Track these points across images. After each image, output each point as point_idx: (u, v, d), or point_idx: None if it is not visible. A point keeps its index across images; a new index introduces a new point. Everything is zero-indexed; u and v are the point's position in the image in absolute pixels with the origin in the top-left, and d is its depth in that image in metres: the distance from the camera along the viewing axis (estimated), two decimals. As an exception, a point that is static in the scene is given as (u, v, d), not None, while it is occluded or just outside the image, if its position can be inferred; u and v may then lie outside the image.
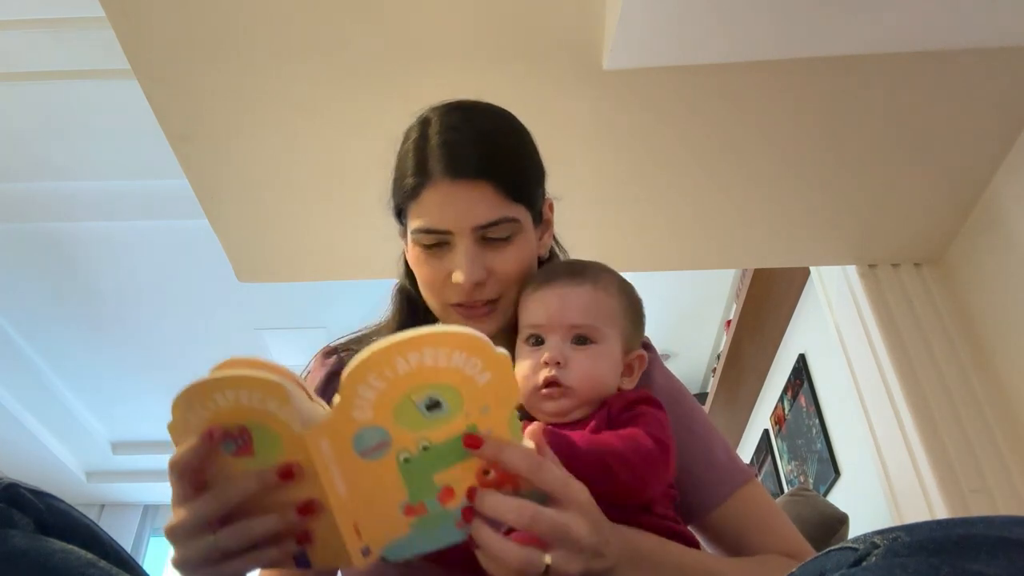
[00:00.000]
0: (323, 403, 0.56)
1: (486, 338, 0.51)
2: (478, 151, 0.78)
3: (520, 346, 0.78)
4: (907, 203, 1.62)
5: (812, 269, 2.08)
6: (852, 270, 1.79)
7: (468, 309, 0.81)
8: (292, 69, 1.37)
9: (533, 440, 0.56)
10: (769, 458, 2.80)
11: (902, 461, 1.60)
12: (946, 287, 1.73)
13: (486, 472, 0.54)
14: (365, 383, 0.50)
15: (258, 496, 0.53)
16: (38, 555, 0.50)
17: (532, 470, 0.54)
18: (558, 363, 0.72)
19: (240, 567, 0.54)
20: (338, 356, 0.90)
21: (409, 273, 0.88)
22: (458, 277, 0.77)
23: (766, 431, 2.85)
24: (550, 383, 0.72)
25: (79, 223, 2.71)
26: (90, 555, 0.53)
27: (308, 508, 0.53)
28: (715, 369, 2.97)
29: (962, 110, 1.43)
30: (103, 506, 4.51)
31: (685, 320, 3.12)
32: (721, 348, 2.89)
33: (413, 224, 0.80)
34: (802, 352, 2.43)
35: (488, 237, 0.78)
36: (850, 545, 0.45)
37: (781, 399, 2.65)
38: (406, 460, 0.53)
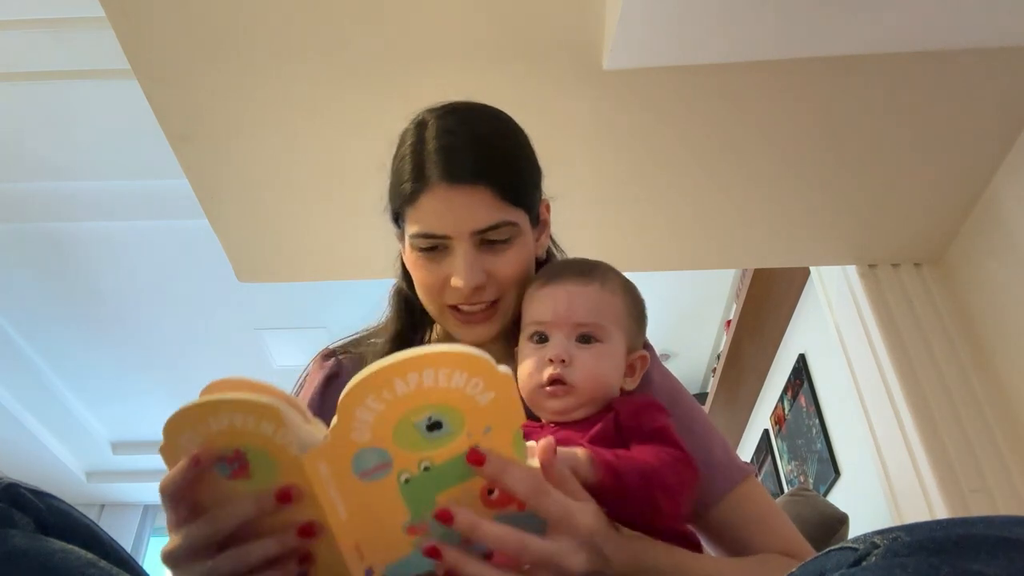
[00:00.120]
0: (320, 423, 0.55)
1: (489, 357, 0.50)
2: (475, 155, 0.77)
3: (523, 343, 0.77)
4: (907, 203, 1.62)
5: (812, 269, 2.08)
6: (852, 270, 1.79)
7: (466, 314, 0.81)
8: (292, 69, 1.37)
9: (541, 459, 0.55)
10: (769, 458, 2.80)
11: (902, 461, 1.60)
12: (946, 287, 1.73)
13: (489, 491, 0.53)
14: (363, 405, 0.49)
15: (257, 519, 0.52)
16: (38, 555, 0.50)
17: (532, 495, 0.53)
18: (563, 361, 0.72)
19: None
20: (336, 359, 0.89)
21: (406, 275, 0.88)
22: (457, 282, 0.77)
23: (766, 431, 2.85)
24: (554, 381, 0.71)
25: (79, 223, 2.70)
26: (90, 555, 0.53)
27: (308, 530, 0.52)
28: (715, 369, 2.97)
29: (962, 110, 1.43)
30: (103, 506, 4.50)
31: (685, 320, 3.12)
32: (721, 348, 2.89)
33: (411, 229, 0.79)
34: (802, 352, 2.42)
35: (487, 241, 0.78)
36: (850, 545, 0.45)
37: (781, 399, 2.65)
38: (407, 480, 0.51)
